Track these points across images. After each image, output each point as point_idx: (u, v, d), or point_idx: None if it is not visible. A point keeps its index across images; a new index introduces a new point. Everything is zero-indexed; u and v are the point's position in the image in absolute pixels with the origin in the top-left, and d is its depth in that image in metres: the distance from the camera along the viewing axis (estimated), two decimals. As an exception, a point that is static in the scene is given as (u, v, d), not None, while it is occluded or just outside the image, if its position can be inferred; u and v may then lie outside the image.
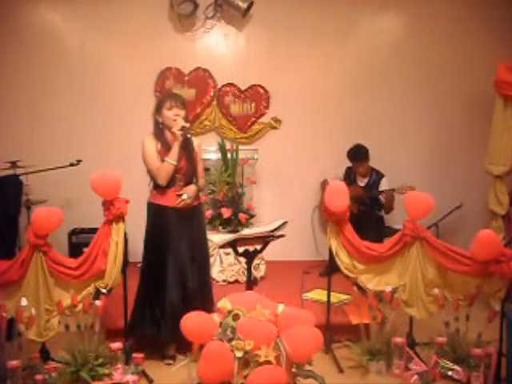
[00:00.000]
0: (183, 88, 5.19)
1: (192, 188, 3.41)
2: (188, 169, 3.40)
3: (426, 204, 3.32)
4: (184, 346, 3.11)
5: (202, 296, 3.44)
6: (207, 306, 3.29)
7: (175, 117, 3.32)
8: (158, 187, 3.40)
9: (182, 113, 3.36)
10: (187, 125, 3.32)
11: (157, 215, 3.43)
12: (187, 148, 3.40)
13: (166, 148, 3.35)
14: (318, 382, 2.72)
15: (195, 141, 3.52)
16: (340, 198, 3.33)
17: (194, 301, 3.32)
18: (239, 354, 2.59)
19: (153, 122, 3.46)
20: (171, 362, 3.38)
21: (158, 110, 3.39)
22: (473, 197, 4.87)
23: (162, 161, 3.32)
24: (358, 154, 4.82)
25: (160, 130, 3.40)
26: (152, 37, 5.11)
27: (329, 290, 3.61)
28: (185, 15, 5.04)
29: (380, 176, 4.89)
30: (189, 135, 3.32)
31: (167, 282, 3.35)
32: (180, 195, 3.37)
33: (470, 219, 4.97)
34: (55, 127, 5.13)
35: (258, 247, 3.42)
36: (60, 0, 5.06)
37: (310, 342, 2.64)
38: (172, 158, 3.29)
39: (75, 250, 4.75)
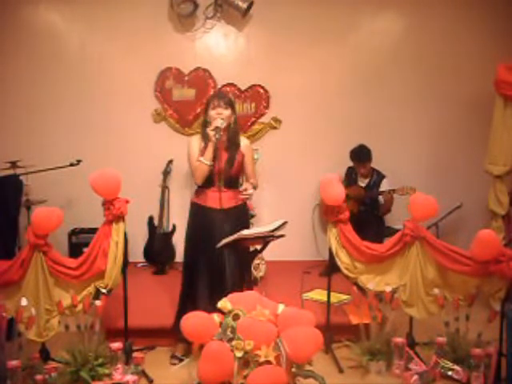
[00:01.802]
0: (183, 88, 5.20)
1: (249, 186, 3.41)
2: (227, 170, 3.38)
3: (431, 208, 3.31)
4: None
5: None
6: None
7: (217, 115, 3.33)
8: (199, 186, 3.43)
9: (226, 112, 3.35)
10: (222, 125, 3.30)
11: (196, 214, 3.47)
12: (230, 149, 3.40)
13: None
14: (318, 381, 2.72)
15: (244, 141, 3.50)
16: (334, 189, 3.36)
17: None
18: (239, 354, 2.59)
19: (202, 122, 3.49)
20: (176, 361, 3.39)
21: (206, 109, 3.42)
22: (473, 197, 4.87)
23: None
24: (361, 154, 4.82)
25: (205, 130, 3.41)
26: (152, 37, 5.11)
27: (329, 290, 3.61)
28: (185, 15, 5.03)
29: (381, 177, 4.88)
30: (217, 136, 3.27)
31: (202, 282, 3.37)
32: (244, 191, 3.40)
33: (470, 219, 4.96)
34: (55, 127, 5.13)
35: (258, 247, 3.41)
36: (60, 0, 5.06)
37: (310, 343, 2.64)
38: (206, 158, 3.29)
39: (75, 249, 4.75)
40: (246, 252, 3.36)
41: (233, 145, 3.42)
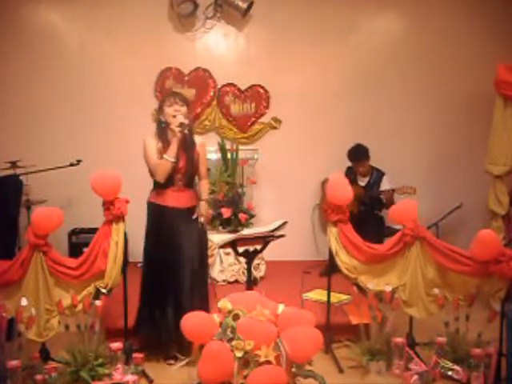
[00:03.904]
0: (183, 88, 5.20)
1: (203, 207, 3.45)
2: (188, 169, 3.38)
3: (411, 210, 3.33)
4: (184, 346, 3.11)
5: (199, 296, 3.41)
6: (203, 306, 3.29)
7: (175, 113, 3.31)
8: (157, 187, 3.40)
9: (183, 109, 3.35)
10: (186, 121, 3.30)
11: (156, 215, 3.44)
12: (188, 148, 3.38)
13: (167, 147, 3.33)
14: (318, 381, 2.72)
15: (198, 140, 3.50)
16: (343, 190, 3.38)
17: (191, 301, 3.30)
18: (239, 354, 2.59)
19: (156, 121, 3.47)
20: (172, 361, 3.37)
21: (160, 108, 3.41)
22: (473, 197, 4.87)
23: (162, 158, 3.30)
24: (358, 153, 4.82)
25: (162, 129, 3.39)
26: (152, 37, 5.11)
27: (329, 290, 3.61)
28: (185, 15, 5.04)
29: (381, 174, 4.88)
30: (186, 131, 3.29)
31: (166, 283, 3.35)
32: (196, 218, 3.40)
33: (470, 219, 4.96)
34: (55, 127, 5.13)
35: (258, 247, 3.41)
36: (60, 0, 5.06)
37: (310, 343, 2.64)
38: (170, 155, 3.27)
39: (75, 249, 4.75)
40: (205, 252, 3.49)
41: (190, 144, 3.40)
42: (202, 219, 3.43)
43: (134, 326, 3.46)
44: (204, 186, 3.57)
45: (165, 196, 3.38)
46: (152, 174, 3.38)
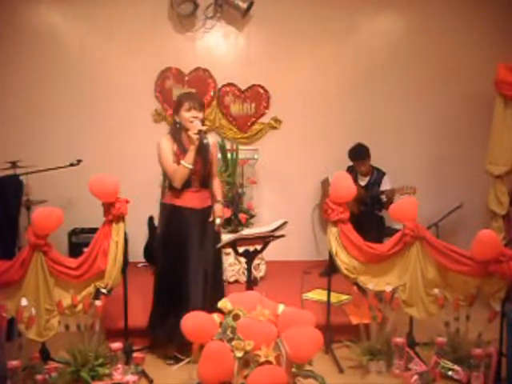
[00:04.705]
0: (183, 88, 5.20)
1: (219, 208, 3.44)
2: (203, 171, 3.38)
3: (411, 208, 3.34)
4: (184, 346, 3.11)
5: (216, 295, 3.37)
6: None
7: (193, 119, 3.28)
8: (173, 188, 3.38)
9: (200, 115, 3.32)
10: (204, 128, 3.29)
11: (172, 216, 3.41)
12: (203, 150, 3.36)
13: (182, 149, 3.33)
14: (318, 382, 2.72)
15: (211, 140, 3.49)
16: (347, 186, 3.39)
17: (209, 300, 3.28)
18: (239, 354, 2.59)
19: (172, 123, 3.45)
20: (172, 361, 3.37)
21: (177, 110, 3.36)
22: (473, 197, 4.87)
23: (178, 163, 3.28)
24: (359, 152, 4.82)
25: (177, 131, 3.38)
26: (152, 37, 5.11)
27: (329, 290, 3.61)
28: (185, 15, 5.04)
29: (381, 174, 4.88)
30: (205, 140, 3.28)
31: (186, 282, 3.33)
32: (213, 221, 3.39)
33: (470, 219, 4.97)
34: (55, 127, 5.13)
35: (258, 247, 3.41)
36: (60, 0, 5.06)
37: (310, 343, 2.64)
38: (188, 162, 3.25)
39: (75, 249, 4.75)
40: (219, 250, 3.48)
41: (205, 145, 3.38)
42: (218, 221, 3.42)
43: (148, 327, 3.45)
44: (217, 186, 3.56)
45: (181, 197, 3.37)
46: (169, 178, 3.37)
